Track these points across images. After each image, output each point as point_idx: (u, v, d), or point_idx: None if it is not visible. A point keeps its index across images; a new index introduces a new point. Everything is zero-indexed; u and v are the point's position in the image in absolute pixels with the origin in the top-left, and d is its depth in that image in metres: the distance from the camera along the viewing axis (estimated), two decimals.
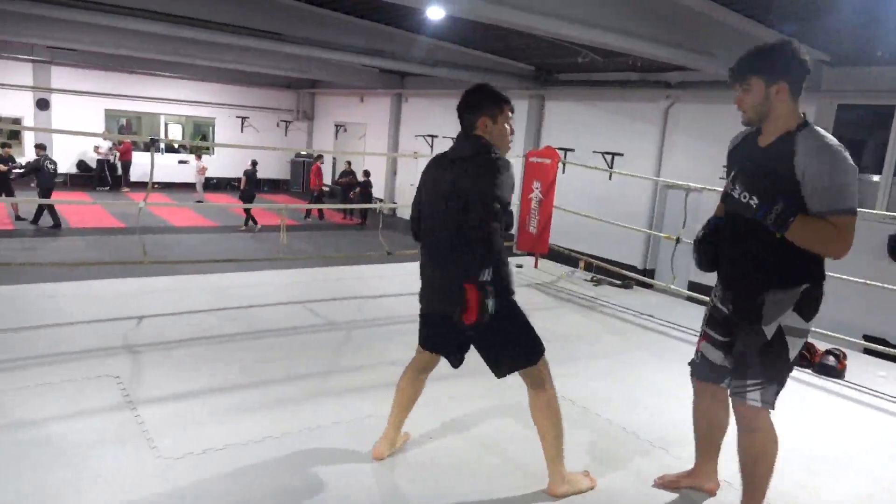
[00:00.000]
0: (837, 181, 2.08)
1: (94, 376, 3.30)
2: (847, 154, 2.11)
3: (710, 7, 7.62)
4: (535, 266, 6.80)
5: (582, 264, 7.17)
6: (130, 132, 21.26)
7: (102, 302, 4.55)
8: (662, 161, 11.95)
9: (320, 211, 17.14)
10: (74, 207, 15.09)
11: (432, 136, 17.30)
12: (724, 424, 2.55)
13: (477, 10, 7.04)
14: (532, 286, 6.13)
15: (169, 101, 20.68)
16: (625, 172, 9.66)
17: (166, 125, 21.70)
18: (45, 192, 13.06)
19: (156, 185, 16.99)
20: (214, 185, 20.62)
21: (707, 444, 2.62)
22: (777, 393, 2.29)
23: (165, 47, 13.15)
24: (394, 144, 18.95)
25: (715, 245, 2.39)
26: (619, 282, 6.36)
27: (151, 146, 5.24)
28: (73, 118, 18.34)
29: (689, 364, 2.60)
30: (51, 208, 13.18)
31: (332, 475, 2.60)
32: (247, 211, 14.98)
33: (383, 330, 4.53)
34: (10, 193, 12.82)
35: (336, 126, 21.68)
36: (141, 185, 19.36)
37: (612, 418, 3.32)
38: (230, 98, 21.49)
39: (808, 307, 2.23)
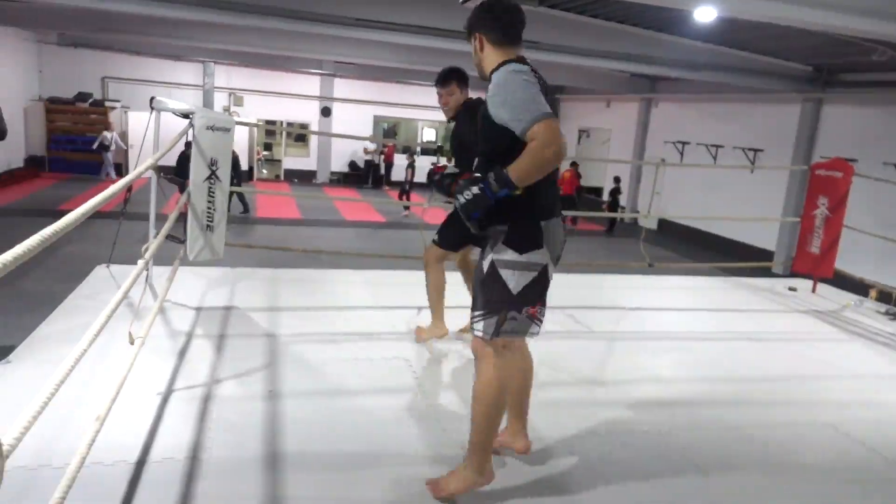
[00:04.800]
0: (516, 98, 2.10)
1: (389, 357, 3.72)
2: (518, 75, 2.14)
3: None
4: (814, 291, 6.11)
5: (874, 293, 6.26)
6: (393, 136, 23.51)
7: (388, 289, 5.11)
8: None
9: (574, 218, 17.21)
10: (347, 203, 17.13)
11: (683, 143, 16.43)
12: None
13: (755, 8, 6.51)
14: (810, 313, 5.52)
15: (426, 107, 22.42)
16: None
17: (422, 130, 23.57)
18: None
19: (413, 184, 18.57)
20: None
21: (515, 405, 2.63)
22: (498, 325, 2.27)
23: (425, 58, 14.30)
24: (640, 151, 18.38)
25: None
26: None
27: (437, 153, 5.68)
28: (349, 123, 20.88)
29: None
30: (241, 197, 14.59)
31: (601, 480, 2.63)
32: (407, 198, 16.44)
33: (645, 344, 4.43)
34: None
35: (580, 131, 21.64)
36: (397, 185, 21.28)
37: None
38: None
39: (521, 240, 2.23)
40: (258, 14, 9.96)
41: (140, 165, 3.06)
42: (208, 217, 4.36)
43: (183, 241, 4.35)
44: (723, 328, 4.93)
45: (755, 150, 14.24)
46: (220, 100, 20.43)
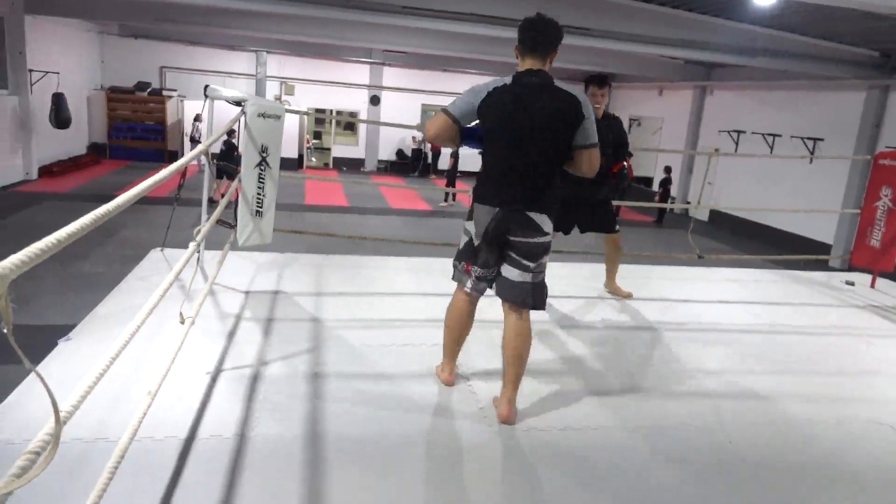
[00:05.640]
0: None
1: (430, 344, 3.74)
2: (471, 88, 2.88)
3: None
4: (873, 285, 5.87)
5: None
6: None
7: (431, 276, 5.14)
8: None
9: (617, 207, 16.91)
10: (393, 190, 17.27)
11: (738, 132, 15.94)
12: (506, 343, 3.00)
13: None
14: (867, 308, 5.31)
15: None
16: None
17: None
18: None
19: (459, 174, 18.59)
20: None
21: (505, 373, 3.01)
22: (456, 272, 3.12)
23: (472, 46, 14.25)
24: (693, 140, 17.92)
25: None
26: None
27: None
28: (397, 112, 20.99)
29: None
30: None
31: (646, 473, 2.60)
32: (452, 186, 16.29)
33: (693, 336, 4.33)
34: None
35: (630, 120, 21.21)
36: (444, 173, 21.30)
37: None
38: None
39: (468, 212, 3.02)
40: (311, 3, 10.11)
41: (193, 151, 3.16)
42: (258, 203, 4.46)
43: (233, 227, 4.47)
44: (774, 322, 4.79)
45: (815, 140, 13.70)
46: (271, 88, 20.81)
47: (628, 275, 5.23)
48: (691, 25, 10.98)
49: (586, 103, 2.82)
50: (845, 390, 3.65)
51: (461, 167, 17.67)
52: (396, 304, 4.49)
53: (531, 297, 2.92)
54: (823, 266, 9.63)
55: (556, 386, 3.37)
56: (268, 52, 20.28)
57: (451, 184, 16.92)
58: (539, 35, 2.82)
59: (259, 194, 4.44)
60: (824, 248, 12.64)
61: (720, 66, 15.76)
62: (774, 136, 14.79)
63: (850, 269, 6.41)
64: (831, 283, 5.96)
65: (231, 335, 3.60)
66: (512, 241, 2.87)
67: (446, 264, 5.50)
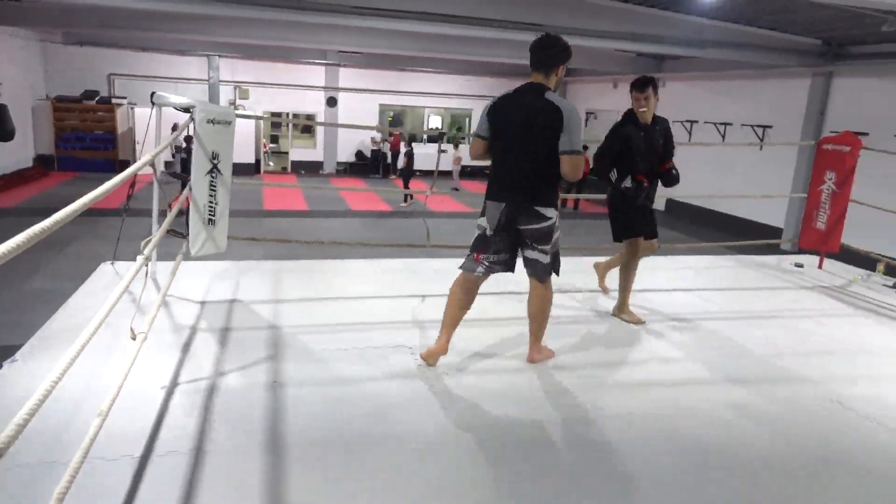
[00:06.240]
0: None
1: (391, 345, 3.73)
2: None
3: None
4: (820, 266, 6.06)
5: (881, 267, 6.21)
6: (398, 125, 23.44)
7: (391, 277, 5.12)
8: None
9: (576, 200, 17.10)
10: (353, 192, 17.14)
11: (691, 122, 16.26)
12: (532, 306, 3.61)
13: None
14: (816, 289, 5.48)
15: (431, 94, 22.35)
16: None
17: (428, 117, 23.47)
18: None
19: (417, 173, 18.56)
20: (469, 172, 21.47)
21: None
22: (467, 261, 3.48)
23: (427, 44, 14.21)
24: None
25: None
26: None
27: (440, 140, 5.69)
28: (355, 113, 20.82)
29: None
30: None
31: (605, 463, 2.64)
32: (407, 187, 16.34)
33: (651, 326, 4.40)
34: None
35: (587, 114, 21.46)
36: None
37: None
38: (486, 89, 22.38)
39: (483, 210, 3.44)
40: (257, 5, 9.95)
41: (139, 161, 3.08)
42: (210, 211, 4.37)
43: (185, 236, 4.37)
44: (728, 307, 4.91)
45: (764, 127, 14.07)
46: (225, 93, 20.42)
47: (587, 267, 5.29)
48: (641, 19, 11.16)
49: (569, 113, 3.15)
50: (799, 371, 3.76)
51: (417, 166, 17.68)
52: (357, 307, 4.45)
53: (545, 272, 3.43)
54: (775, 250, 9.90)
55: (519, 379, 3.39)
56: (220, 57, 19.90)
57: (406, 182, 16.89)
58: (539, 58, 3.29)
59: (211, 202, 4.35)
60: (776, 233, 12.99)
61: (671, 58, 16.05)
62: (726, 124, 15.14)
63: (800, 251, 6.61)
64: (782, 266, 6.13)
65: (186, 347, 3.52)
66: (522, 230, 3.34)
67: (408, 264, 5.54)
